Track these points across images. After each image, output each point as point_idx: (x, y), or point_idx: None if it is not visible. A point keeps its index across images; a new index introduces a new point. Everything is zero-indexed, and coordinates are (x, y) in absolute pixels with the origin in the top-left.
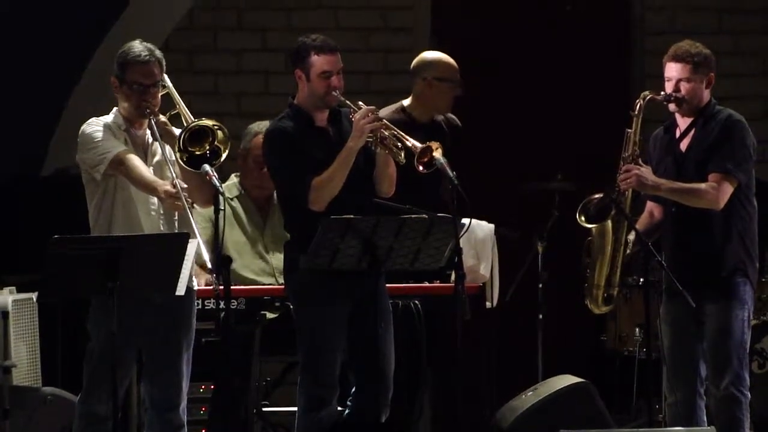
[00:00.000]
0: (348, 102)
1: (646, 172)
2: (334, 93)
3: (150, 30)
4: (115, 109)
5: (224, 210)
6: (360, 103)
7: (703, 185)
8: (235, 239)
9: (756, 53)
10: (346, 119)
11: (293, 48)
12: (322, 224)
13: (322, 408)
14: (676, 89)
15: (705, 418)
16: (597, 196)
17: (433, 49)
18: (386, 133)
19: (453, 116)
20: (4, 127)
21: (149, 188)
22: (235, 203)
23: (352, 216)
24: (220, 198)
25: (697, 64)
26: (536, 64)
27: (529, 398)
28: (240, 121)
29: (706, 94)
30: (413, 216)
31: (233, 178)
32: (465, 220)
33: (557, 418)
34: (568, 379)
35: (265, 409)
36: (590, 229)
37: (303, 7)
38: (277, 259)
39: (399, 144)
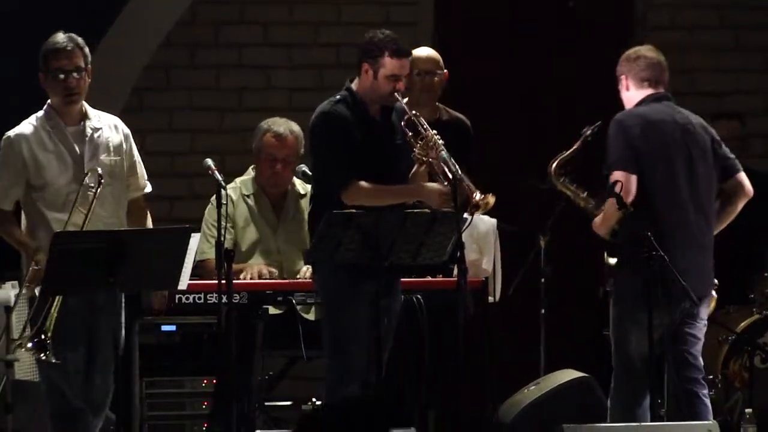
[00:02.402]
0: (416, 120)
1: None
2: (396, 95)
3: (151, 24)
4: (46, 106)
5: (226, 204)
6: (427, 129)
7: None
8: (249, 238)
9: (757, 49)
10: (396, 113)
11: (366, 39)
12: (325, 218)
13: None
14: None
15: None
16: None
17: (433, 45)
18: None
19: (462, 117)
20: (4, 125)
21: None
22: (251, 201)
23: (354, 210)
24: (222, 193)
25: (619, 73)
26: (538, 60)
27: (531, 392)
28: (241, 115)
29: (635, 95)
30: (416, 210)
31: (250, 172)
32: (467, 215)
33: (559, 413)
34: (570, 374)
35: (267, 403)
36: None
37: (305, 1)
38: (290, 261)
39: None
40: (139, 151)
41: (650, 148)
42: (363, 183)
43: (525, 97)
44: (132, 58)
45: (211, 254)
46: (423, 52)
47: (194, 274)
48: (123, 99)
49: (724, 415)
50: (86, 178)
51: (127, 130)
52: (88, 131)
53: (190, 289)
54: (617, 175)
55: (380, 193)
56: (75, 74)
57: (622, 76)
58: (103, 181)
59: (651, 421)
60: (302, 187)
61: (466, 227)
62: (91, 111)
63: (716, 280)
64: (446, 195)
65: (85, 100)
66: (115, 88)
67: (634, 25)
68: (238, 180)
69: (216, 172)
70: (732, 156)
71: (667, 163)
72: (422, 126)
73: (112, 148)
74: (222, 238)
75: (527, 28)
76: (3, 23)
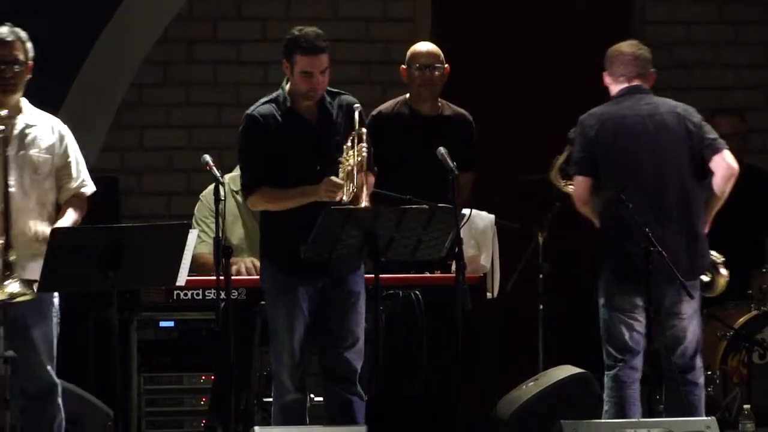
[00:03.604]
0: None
1: None
2: (315, 91)
3: (149, 20)
4: None
5: (224, 200)
6: (363, 131)
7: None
8: (238, 233)
9: (757, 43)
10: (340, 108)
11: (285, 38)
12: (323, 214)
13: None
14: None
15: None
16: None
17: (432, 40)
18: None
19: (464, 112)
20: None
21: None
22: (240, 196)
23: (353, 206)
24: (220, 188)
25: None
26: (536, 54)
27: (529, 388)
28: (239, 111)
29: (612, 91)
30: (414, 206)
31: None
32: (465, 211)
33: (558, 409)
34: (568, 370)
35: (265, 399)
36: None
37: None
38: None
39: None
40: (138, 146)
41: (607, 146)
42: (262, 189)
43: (523, 92)
44: (129, 53)
45: (201, 248)
46: (423, 46)
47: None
48: (120, 94)
49: (722, 411)
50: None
51: (66, 132)
52: (20, 126)
53: (189, 285)
54: (575, 179)
55: (276, 198)
56: (14, 66)
57: (604, 73)
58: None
59: (649, 416)
60: None
61: (465, 223)
62: (27, 107)
63: (718, 257)
64: (331, 185)
65: (85, 94)
66: (113, 84)
67: (632, 20)
68: (227, 176)
69: (213, 167)
70: (712, 136)
71: (629, 156)
72: (358, 142)
73: (43, 146)
74: (219, 234)
75: (524, 22)
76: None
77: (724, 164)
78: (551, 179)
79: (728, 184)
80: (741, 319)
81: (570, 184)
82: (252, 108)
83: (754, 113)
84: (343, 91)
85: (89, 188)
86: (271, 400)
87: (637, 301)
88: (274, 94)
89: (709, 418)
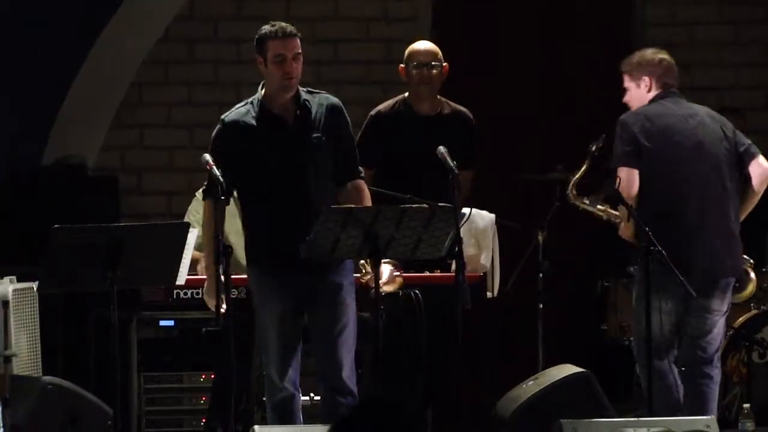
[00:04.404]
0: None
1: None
2: (290, 80)
3: (149, 19)
4: None
5: (224, 199)
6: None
7: None
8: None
9: (757, 43)
10: (320, 106)
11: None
12: (322, 213)
13: None
14: (626, 98)
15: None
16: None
17: (432, 41)
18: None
19: (464, 110)
20: (3, 118)
21: None
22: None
23: (353, 206)
24: (220, 188)
25: (630, 72)
26: (537, 54)
27: (529, 388)
28: None
29: (648, 96)
30: (414, 206)
31: None
32: (465, 210)
33: (558, 408)
34: (568, 369)
35: (265, 398)
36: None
37: None
38: None
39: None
40: (138, 145)
41: (652, 142)
42: (208, 201)
43: (523, 92)
44: (130, 52)
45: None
46: (421, 45)
47: None
48: (121, 94)
49: (722, 410)
50: None
51: None
52: None
53: (188, 284)
54: (620, 171)
55: (205, 223)
56: None
57: (646, 77)
58: None
59: (649, 416)
60: None
61: (465, 222)
62: None
63: (750, 260)
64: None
65: (86, 93)
66: (114, 83)
67: (633, 20)
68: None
69: (214, 167)
70: (747, 142)
71: (672, 151)
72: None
73: None
74: (220, 233)
75: (525, 22)
76: (1, 16)
77: (761, 169)
78: (568, 197)
79: (764, 185)
80: (741, 318)
81: (585, 202)
82: (226, 113)
83: (754, 114)
84: (322, 91)
85: None
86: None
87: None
88: (250, 99)
89: (709, 417)
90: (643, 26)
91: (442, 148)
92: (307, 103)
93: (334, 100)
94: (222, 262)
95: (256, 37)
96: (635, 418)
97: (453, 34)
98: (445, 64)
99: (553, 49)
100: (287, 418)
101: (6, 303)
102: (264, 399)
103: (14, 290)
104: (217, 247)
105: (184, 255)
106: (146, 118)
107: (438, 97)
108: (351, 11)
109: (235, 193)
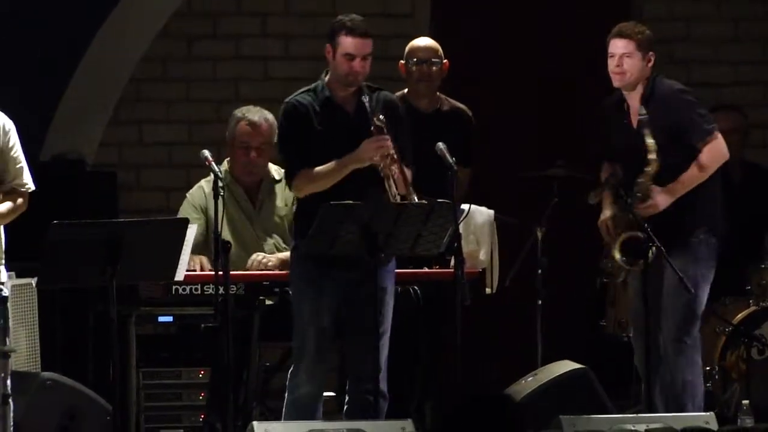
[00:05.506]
0: (367, 104)
1: (660, 201)
2: (355, 76)
3: (148, 15)
4: None
5: (223, 195)
6: (380, 117)
7: (696, 164)
8: (225, 229)
9: (756, 39)
10: (378, 102)
11: (331, 24)
12: (321, 210)
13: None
14: (619, 64)
15: None
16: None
17: (431, 36)
18: (389, 171)
19: (463, 107)
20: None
21: None
22: (225, 192)
23: (351, 202)
24: (219, 184)
25: (641, 41)
26: (536, 50)
27: (528, 384)
28: (238, 106)
29: (647, 71)
30: (413, 202)
31: (225, 164)
32: (464, 206)
33: (556, 404)
34: (567, 365)
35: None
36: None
37: None
38: (269, 247)
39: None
40: (137, 141)
41: None
42: (302, 171)
43: (522, 88)
44: (129, 49)
45: None
46: (421, 41)
47: None
48: (120, 90)
49: (721, 407)
50: None
51: (11, 127)
52: None
53: (187, 280)
54: (717, 135)
55: (317, 175)
56: None
57: (652, 54)
58: None
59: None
60: (278, 172)
61: (464, 218)
62: None
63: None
64: (375, 139)
65: (84, 89)
66: (112, 79)
67: (631, 17)
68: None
69: (213, 163)
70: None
71: None
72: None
73: None
74: (219, 230)
75: (523, 19)
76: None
77: None
78: (613, 258)
79: None
80: (740, 315)
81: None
82: (290, 97)
83: (753, 109)
84: (381, 87)
85: (29, 186)
86: (269, 396)
87: None
88: (313, 85)
89: (708, 413)
90: (642, 22)
91: (441, 145)
92: (368, 98)
93: (391, 97)
94: (221, 257)
95: (332, 23)
96: (634, 414)
97: (451, 31)
98: (445, 60)
99: (553, 46)
100: (306, 415)
101: (5, 299)
102: (262, 395)
103: (13, 286)
104: (216, 242)
105: (183, 251)
106: (145, 115)
107: (437, 93)
108: (349, 7)
109: (226, 192)
